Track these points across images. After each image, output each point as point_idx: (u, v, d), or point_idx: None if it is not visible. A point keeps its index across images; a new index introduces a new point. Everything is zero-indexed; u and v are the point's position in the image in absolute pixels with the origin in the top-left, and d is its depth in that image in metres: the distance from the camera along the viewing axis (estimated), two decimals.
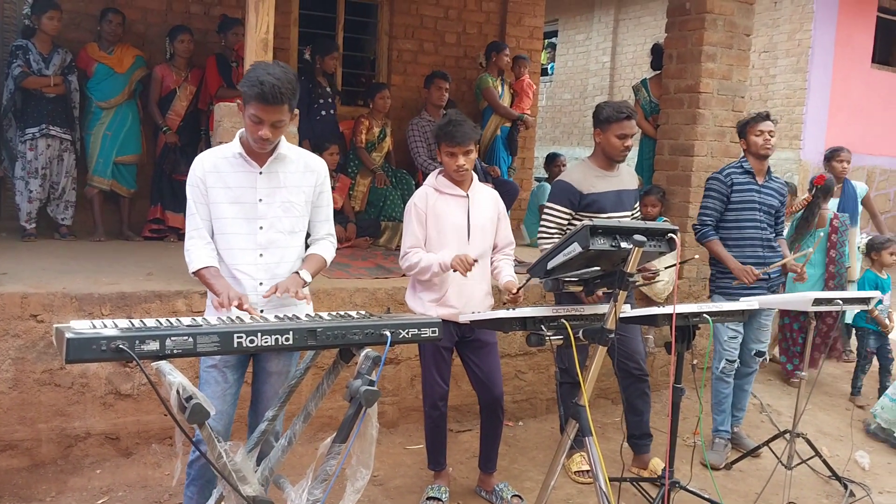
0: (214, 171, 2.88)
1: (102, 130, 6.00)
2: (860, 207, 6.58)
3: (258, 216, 2.91)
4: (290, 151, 2.97)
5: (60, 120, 5.75)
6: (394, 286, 4.65)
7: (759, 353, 4.80)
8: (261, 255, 2.92)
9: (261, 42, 3.97)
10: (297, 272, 2.93)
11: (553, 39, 16.64)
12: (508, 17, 8.26)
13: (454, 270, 3.51)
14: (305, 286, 2.92)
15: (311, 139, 6.15)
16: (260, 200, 2.90)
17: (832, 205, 6.17)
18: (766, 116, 4.60)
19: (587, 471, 4.18)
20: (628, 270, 2.81)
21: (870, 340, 5.97)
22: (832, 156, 6.36)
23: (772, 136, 4.56)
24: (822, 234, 6.00)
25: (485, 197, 3.81)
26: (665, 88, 5.99)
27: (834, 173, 6.21)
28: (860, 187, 6.62)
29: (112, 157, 6.05)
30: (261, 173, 2.90)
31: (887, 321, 5.83)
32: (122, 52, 6.03)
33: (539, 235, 4.09)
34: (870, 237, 6.31)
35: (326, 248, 3.10)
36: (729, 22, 5.71)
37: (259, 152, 2.88)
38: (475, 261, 3.48)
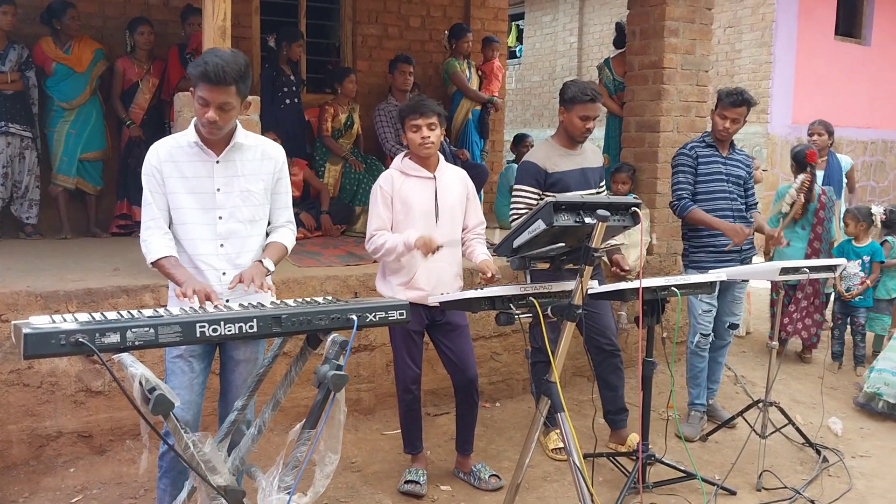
0: (170, 161, 2.84)
1: (66, 129, 5.89)
2: (844, 180, 6.54)
3: (216, 206, 2.87)
4: (248, 139, 2.93)
5: (20, 117, 5.66)
6: (365, 273, 4.63)
7: (733, 326, 4.84)
8: (221, 245, 2.89)
9: (218, 30, 3.91)
10: (259, 261, 2.90)
11: (521, 22, 16.61)
12: None
13: (417, 249, 3.50)
14: (268, 275, 2.89)
15: (276, 129, 6.07)
16: (218, 190, 2.87)
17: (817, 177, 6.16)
18: (739, 102, 4.45)
19: (563, 448, 4.19)
20: (593, 245, 2.82)
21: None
22: (809, 132, 6.44)
23: (734, 124, 4.49)
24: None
25: (452, 177, 3.79)
26: (629, 65, 5.99)
27: (816, 147, 6.26)
28: (845, 160, 6.59)
29: (77, 156, 5.96)
30: (217, 162, 2.86)
31: None
32: (80, 49, 5.89)
33: (511, 217, 4.09)
34: (886, 209, 6.24)
35: (286, 235, 3.07)
36: None
37: (215, 141, 2.84)
38: (439, 247, 3.49)
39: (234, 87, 2.71)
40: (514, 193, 4.12)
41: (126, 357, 1.97)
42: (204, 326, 2.06)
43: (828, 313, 6.48)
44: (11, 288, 3.84)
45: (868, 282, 5.91)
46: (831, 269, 4.27)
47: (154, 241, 2.83)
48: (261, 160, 2.95)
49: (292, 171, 6.21)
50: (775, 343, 4.25)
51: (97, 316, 2.08)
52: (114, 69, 6.07)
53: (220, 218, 2.88)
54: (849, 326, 6.12)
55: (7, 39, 5.61)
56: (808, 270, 4.02)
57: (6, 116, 5.60)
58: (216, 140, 2.84)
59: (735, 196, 4.62)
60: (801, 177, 5.54)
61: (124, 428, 4.03)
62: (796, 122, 11.28)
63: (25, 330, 1.85)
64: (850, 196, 6.89)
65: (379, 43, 7.81)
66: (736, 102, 4.47)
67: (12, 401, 3.78)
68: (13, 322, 1.96)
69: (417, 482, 3.81)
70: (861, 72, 12.20)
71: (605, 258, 4.39)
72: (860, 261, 5.95)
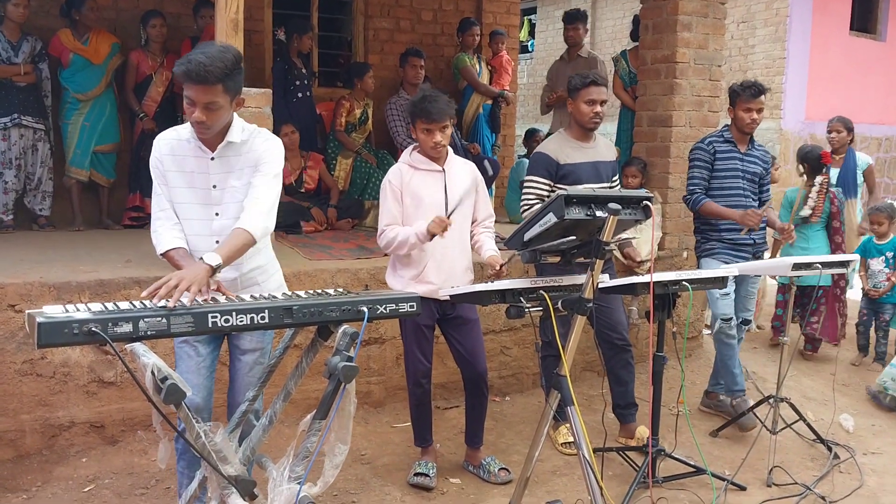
0: (171, 155, 2.80)
1: (80, 121, 5.90)
2: (860, 179, 6.38)
3: (213, 202, 2.83)
4: (242, 135, 2.83)
5: (32, 109, 5.67)
6: (375, 266, 4.63)
7: (745, 322, 4.82)
8: (217, 241, 2.80)
9: (230, 22, 3.91)
10: (200, 258, 2.52)
11: (533, 17, 16.58)
12: None
13: (431, 235, 3.48)
14: (214, 273, 2.47)
15: (289, 121, 6.07)
16: (214, 187, 2.82)
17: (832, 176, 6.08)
18: (759, 92, 4.53)
19: (573, 442, 4.19)
20: (604, 239, 2.81)
21: None
22: (828, 129, 6.39)
23: (759, 114, 4.56)
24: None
25: (461, 170, 3.79)
26: (642, 59, 5.97)
27: (832, 146, 6.20)
28: (862, 159, 6.43)
29: (91, 148, 5.97)
30: (213, 159, 2.81)
31: None
32: (98, 41, 5.90)
33: (522, 208, 4.09)
34: None
35: (251, 218, 2.69)
36: None
37: (210, 137, 2.76)
38: (450, 221, 3.47)
39: (221, 86, 2.60)
40: (525, 184, 4.12)
41: (138, 346, 1.99)
42: (216, 317, 2.07)
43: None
44: (24, 279, 3.86)
45: (893, 278, 5.85)
46: (843, 265, 4.25)
47: (164, 232, 2.81)
48: (249, 154, 2.84)
49: (308, 164, 6.22)
50: (787, 338, 4.23)
51: (110, 306, 2.09)
52: (128, 62, 6.09)
53: (217, 215, 2.84)
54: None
55: (20, 31, 5.63)
56: (820, 266, 4.01)
57: (19, 109, 5.61)
58: (211, 137, 2.77)
59: (749, 193, 4.60)
60: (819, 179, 5.49)
61: (136, 418, 4.05)
62: (810, 119, 11.22)
63: (39, 319, 1.86)
64: (870, 197, 6.64)
65: (391, 37, 7.81)
66: (756, 93, 4.53)
67: (25, 391, 3.81)
68: (27, 311, 1.98)
69: (427, 475, 3.82)
70: (876, 67, 12.12)
71: (616, 253, 4.38)
72: (883, 257, 5.90)
